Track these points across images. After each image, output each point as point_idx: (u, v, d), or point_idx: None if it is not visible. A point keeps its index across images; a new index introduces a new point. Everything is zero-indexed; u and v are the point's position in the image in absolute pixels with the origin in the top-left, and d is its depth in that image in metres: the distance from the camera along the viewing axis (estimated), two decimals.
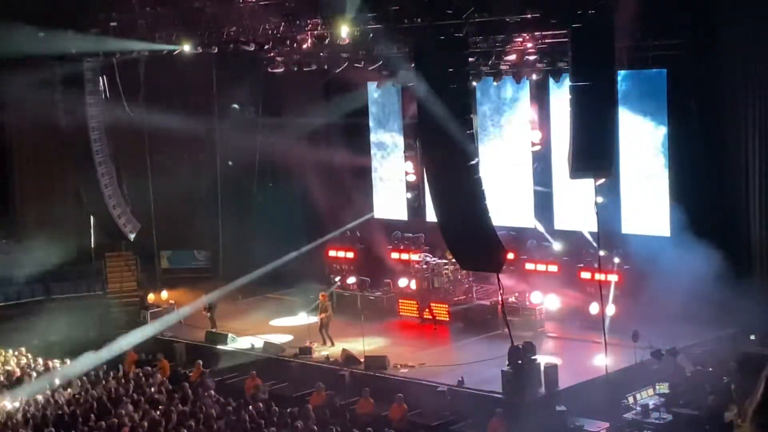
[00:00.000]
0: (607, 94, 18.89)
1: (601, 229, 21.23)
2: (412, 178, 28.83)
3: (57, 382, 21.79)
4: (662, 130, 23.85)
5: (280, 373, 23.27)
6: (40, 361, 23.80)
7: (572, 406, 19.33)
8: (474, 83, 23.54)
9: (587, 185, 21.19)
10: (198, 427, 18.10)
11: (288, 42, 24.06)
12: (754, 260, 23.17)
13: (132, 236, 28.23)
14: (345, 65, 25.37)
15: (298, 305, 27.28)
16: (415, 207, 28.85)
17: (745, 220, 23.38)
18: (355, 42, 22.97)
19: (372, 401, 20.29)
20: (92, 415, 18.87)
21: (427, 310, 25.90)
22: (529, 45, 21.90)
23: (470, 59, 21.02)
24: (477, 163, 20.11)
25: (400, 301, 26.74)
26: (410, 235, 28.34)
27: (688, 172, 23.62)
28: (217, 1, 24.45)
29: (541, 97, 25.72)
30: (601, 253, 22.12)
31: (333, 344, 24.08)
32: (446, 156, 20.10)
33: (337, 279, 28.42)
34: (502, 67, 23.84)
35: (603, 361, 20.62)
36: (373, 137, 29.77)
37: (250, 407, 19.10)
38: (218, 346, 25.02)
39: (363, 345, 22.87)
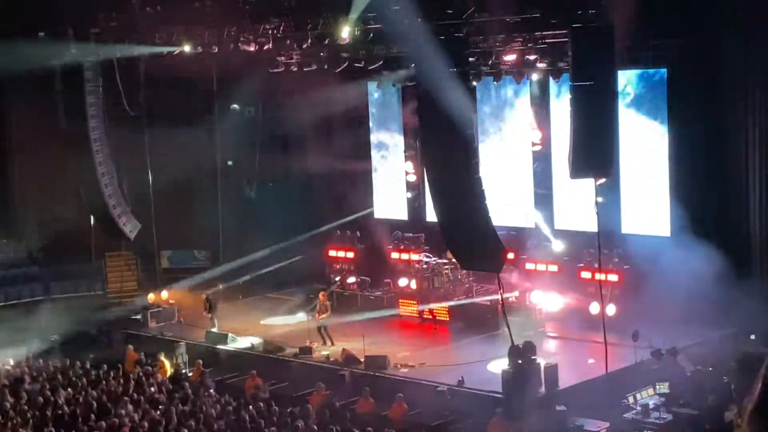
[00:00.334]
0: (608, 93, 18.91)
1: (601, 229, 21.23)
2: (412, 178, 28.84)
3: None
4: (662, 130, 23.85)
5: (280, 373, 23.26)
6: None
7: (572, 405, 19.32)
8: (474, 83, 23.53)
9: (587, 185, 21.19)
10: (198, 427, 18.09)
11: (288, 42, 24.06)
12: (754, 260, 23.17)
13: (132, 236, 28.22)
14: (345, 65, 25.38)
15: (297, 305, 27.29)
16: (416, 207, 28.85)
17: (745, 220, 23.38)
18: (355, 42, 22.97)
19: (372, 401, 20.29)
20: (92, 415, 18.86)
21: (427, 310, 25.93)
22: (530, 45, 21.89)
23: (470, 59, 21.02)
24: (477, 163, 20.12)
25: (400, 300, 26.73)
26: (410, 234, 28.34)
27: (689, 171, 23.60)
28: (217, 1, 24.46)
29: (541, 97, 25.72)
30: (600, 252, 22.12)
31: (333, 344, 24.08)
32: (446, 156, 20.11)
33: (337, 279, 28.43)
34: (502, 67, 23.85)
35: (603, 360, 20.60)
36: (373, 137, 29.79)
37: (251, 407, 19.10)
38: (218, 346, 25.03)
39: (363, 345, 22.87)
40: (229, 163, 30.30)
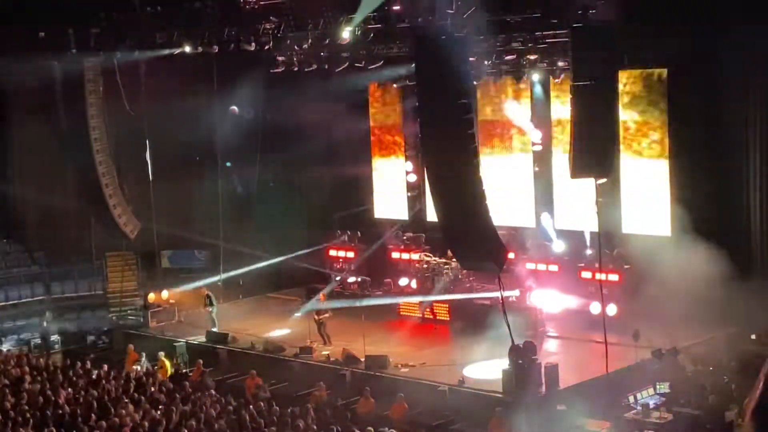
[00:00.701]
0: (608, 93, 18.90)
1: (602, 228, 21.22)
2: (412, 177, 28.84)
3: None
4: (663, 130, 23.85)
5: (281, 373, 23.27)
6: None
7: (572, 405, 19.31)
8: (474, 83, 23.52)
9: (588, 185, 21.19)
10: (199, 427, 18.07)
11: (288, 42, 24.06)
12: (754, 260, 23.18)
13: (132, 236, 28.22)
14: (345, 65, 25.38)
15: (298, 305, 27.29)
16: (416, 207, 28.86)
17: (746, 220, 23.39)
18: (356, 42, 22.97)
19: (373, 401, 20.29)
20: (92, 415, 18.84)
21: (428, 309, 25.94)
22: (530, 45, 21.89)
23: (470, 59, 21.01)
24: (478, 163, 20.11)
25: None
26: (411, 234, 28.34)
27: (689, 171, 23.61)
28: (217, 1, 24.45)
29: (541, 96, 25.71)
30: (598, 252, 22.13)
31: (331, 343, 24.10)
32: (447, 155, 20.09)
33: (338, 278, 28.43)
34: (503, 67, 23.84)
35: (603, 360, 20.60)
36: (374, 137, 29.79)
37: (251, 407, 19.10)
38: (218, 346, 25.03)
39: (363, 344, 22.87)
40: (228, 164, 30.30)
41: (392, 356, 22.64)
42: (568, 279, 24.82)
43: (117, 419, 18.37)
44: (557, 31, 20.46)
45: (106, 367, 22.82)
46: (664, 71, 23.55)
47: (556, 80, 23.78)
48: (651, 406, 19.00)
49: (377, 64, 25.14)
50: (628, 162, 23.82)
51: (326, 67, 25.78)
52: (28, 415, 19.00)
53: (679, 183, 23.63)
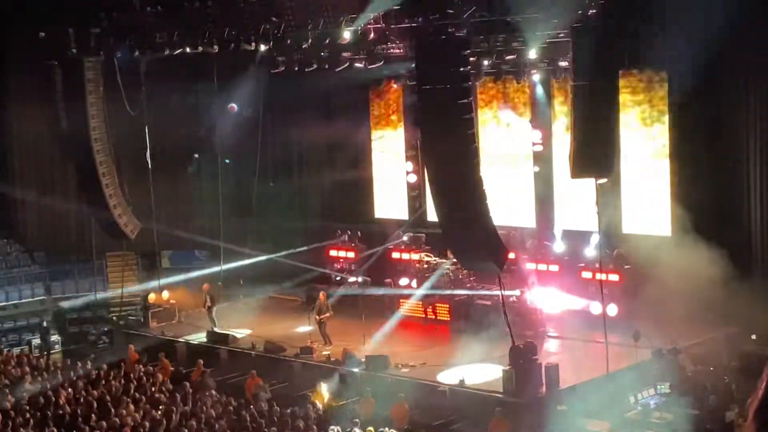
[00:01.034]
0: (608, 93, 18.90)
1: (602, 228, 21.21)
2: (413, 177, 28.83)
3: None
4: (663, 130, 23.85)
5: (281, 373, 23.26)
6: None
7: (573, 405, 19.32)
8: (474, 83, 23.52)
9: (588, 185, 21.19)
10: (199, 427, 18.07)
11: (288, 42, 24.06)
12: (754, 260, 23.17)
13: (133, 236, 28.21)
14: (346, 65, 25.37)
15: (298, 305, 27.29)
16: (416, 206, 28.85)
17: (745, 219, 23.38)
18: (356, 42, 22.96)
19: (373, 401, 20.28)
20: (93, 415, 18.84)
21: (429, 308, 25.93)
22: (530, 45, 21.88)
23: (471, 58, 21.01)
24: (478, 163, 20.11)
25: (401, 300, 26.71)
26: (411, 234, 28.33)
27: (689, 171, 23.61)
28: (217, 1, 24.45)
29: (541, 96, 25.71)
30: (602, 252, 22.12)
31: (331, 343, 24.09)
32: (447, 156, 20.10)
33: (338, 278, 28.41)
34: (503, 67, 23.83)
35: (604, 360, 20.61)
36: (374, 137, 29.78)
37: (251, 407, 19.10)
38: (219, 346, 25.02)
39: (364, 345, 22.85)
40: (227, 161, 30.29)
41: (393, 356, 22.62)
42: (569, 279, 24.82)
43: (117, 419, 18.38)
44: (557, 31, 20.44)
45: (106, 366, 22.85)
46: (664, 71, 23.53)
47: (557, 80, 23.76)
48: (651, 406, 19.00)
49: (377, 64, 25.13)
50: (628, 162, 23.81)
51: (326, 67, 25.77)
52: (28, 415, 19.01)
53: (680, 183, 23.62)
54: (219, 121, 29.53)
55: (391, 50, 24.17)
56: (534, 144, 26.12)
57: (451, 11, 19.89)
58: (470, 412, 19.96)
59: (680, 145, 23.61)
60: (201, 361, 23.42)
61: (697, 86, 23.24)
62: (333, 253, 29.19)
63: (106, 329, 28.30)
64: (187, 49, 25.16)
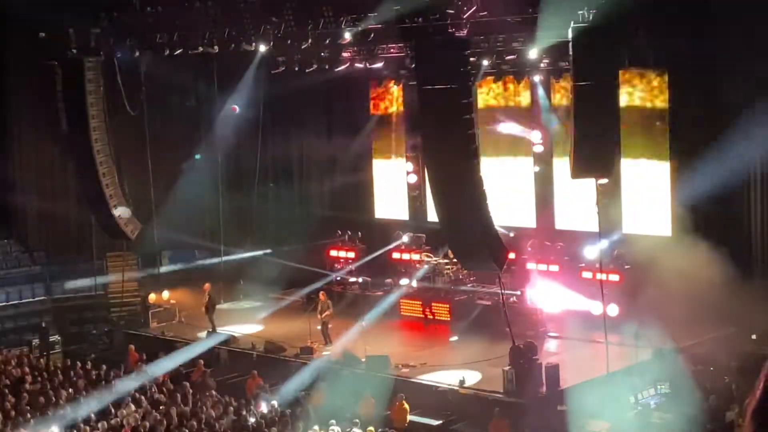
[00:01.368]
0: (609, 93, 18.90)
1: (602, 228, 21.20)
2: (413, 178, 28.83)
3: None
4: (663, 130, 23.84)
5: (281, 373, 23.24)
6: None
7: (573, 405, 19.32)
8: (475, 83, 23.52)
9: (588, 185, 21.18)
10: (199, 427, 18.09)
11: (288, 42, 24.06)
12: (754, 260, 23.17)
13: (133, 236, 28.21)
14: (346, 65, 25.37)
15: (298, 305, 27.29)
16: (417, 207, 28.85)
17: (746, 220, 23.38)
18: (356, 42, 22.96)
19: (373, 401, 20.29)
20: (93, 415, 18.86)
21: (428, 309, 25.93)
22: (529, 45, 21.88)
23: (471, 59, 21.02)
24: (478, 163, 20.11)
25: (401, 300, 26.71)
26: (411, 234, 28.32)
27: (690, 172, 23.58)
28: (217, 1, 24.46)
29: (541, 97, 25.71)
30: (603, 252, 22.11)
31: (331, 343, 24.09)
32: (447, 156, 20.10)
33: (338, 278, 28.41)
34: (503, 67, 23.82)
35: (604, 360, 20.61)
36: (374, 137, 29.78)
37: (252, 407, 19.12)
38: (219, 346, 25.00)
39: (364, 345, 22.86)
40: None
41: (393, 356, 22.62)
42: (569, 279, 24.81)
43: (118, 419, 18.40)
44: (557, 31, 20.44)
45: (105, 367, 22.85)
46: (665, 71, 23.53)
47: (557, 80, 23.76)
48: (651, 406, 19.00)
49: (377, 64, 25.12)
50: (628, 162, 23.81)
51: (326, 67, 25.78)
52: (28, 415, 19.02)
53: (680, 183, 23.61)
54: (219, 122, 29.55)
55: (391, 50, 24.17)
56: (534, 144, 26.12)
57: (451, 11, 19.89)
58: (470, 412, 19.96)
59: (681, 145, 23.60)
60: (201, 361, 23.42)
61: (697, 86, 23.25)
62: (333, 253, 29.20)
63: (106, 329, 28.28)
64: (189, 49, 25.15)
